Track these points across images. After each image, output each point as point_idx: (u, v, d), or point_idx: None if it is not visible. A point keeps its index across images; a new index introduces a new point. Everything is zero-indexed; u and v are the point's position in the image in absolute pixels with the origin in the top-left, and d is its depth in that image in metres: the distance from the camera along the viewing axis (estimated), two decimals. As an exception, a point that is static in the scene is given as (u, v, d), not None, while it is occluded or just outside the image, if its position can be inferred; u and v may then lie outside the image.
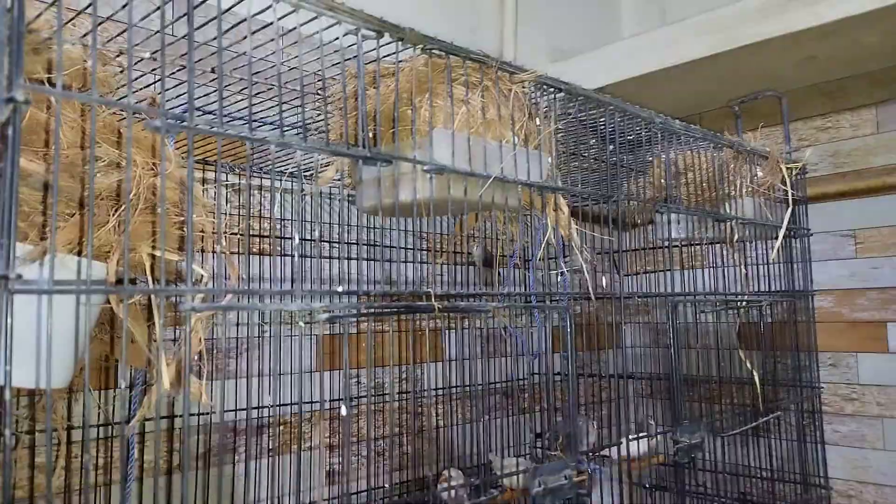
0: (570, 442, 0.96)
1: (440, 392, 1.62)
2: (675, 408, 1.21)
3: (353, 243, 1.48)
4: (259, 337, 1.33)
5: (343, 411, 0.74)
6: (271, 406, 1.33)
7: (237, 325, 1.34)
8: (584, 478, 0.97)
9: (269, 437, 1.39)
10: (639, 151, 1.46)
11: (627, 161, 1.43)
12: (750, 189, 1.57)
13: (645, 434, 1.23)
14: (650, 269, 1.50)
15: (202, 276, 0.76)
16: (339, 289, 0.73)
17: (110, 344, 0.96)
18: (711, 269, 1.51)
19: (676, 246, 1.54)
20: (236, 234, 1.23)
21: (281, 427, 1.41)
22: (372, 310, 0.75)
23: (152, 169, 0.80)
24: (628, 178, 1.59)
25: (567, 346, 1.05)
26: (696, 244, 1.65)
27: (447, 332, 1.63)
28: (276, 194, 1.23)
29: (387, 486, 0.96)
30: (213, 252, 0.72)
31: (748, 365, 1.44)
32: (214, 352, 1.30)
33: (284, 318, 1.37)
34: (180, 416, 1.26)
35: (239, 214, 1.27)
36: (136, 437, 1.26)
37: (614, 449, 1.19)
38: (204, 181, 0.90)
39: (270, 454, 1.39)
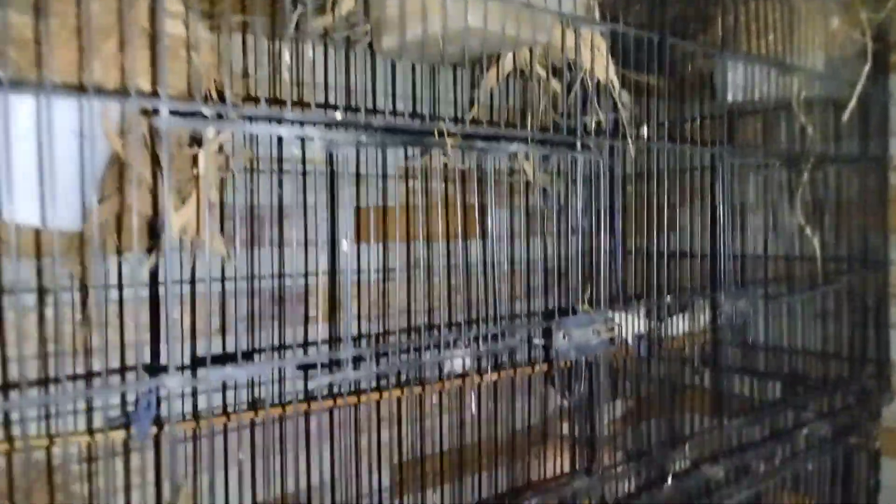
0: (597, 295, 0.91)
1: (476, 268, 1.59)
2: (715, 271, 1.13)
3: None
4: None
5: (344, 246, 0.70)
6: (298, 275, 1.33)
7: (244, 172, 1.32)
8: (613, 334, 0.92)
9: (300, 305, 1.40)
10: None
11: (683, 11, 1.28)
12: (823, 42, 1.40)
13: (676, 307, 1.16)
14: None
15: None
16: (338, 116, 0.67)
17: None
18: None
19: (733, 111, 1.41)
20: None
21: (314, 297, 1.41)
22: (374, 139, 0.70)
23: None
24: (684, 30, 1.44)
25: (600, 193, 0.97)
26: (759, 110, 1.51)
27: (486, 207, 1.58)
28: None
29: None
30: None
31: (807, 232, 1.33)
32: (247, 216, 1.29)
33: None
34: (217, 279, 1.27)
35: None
36: (176, 299, 1.28)
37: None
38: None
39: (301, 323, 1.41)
